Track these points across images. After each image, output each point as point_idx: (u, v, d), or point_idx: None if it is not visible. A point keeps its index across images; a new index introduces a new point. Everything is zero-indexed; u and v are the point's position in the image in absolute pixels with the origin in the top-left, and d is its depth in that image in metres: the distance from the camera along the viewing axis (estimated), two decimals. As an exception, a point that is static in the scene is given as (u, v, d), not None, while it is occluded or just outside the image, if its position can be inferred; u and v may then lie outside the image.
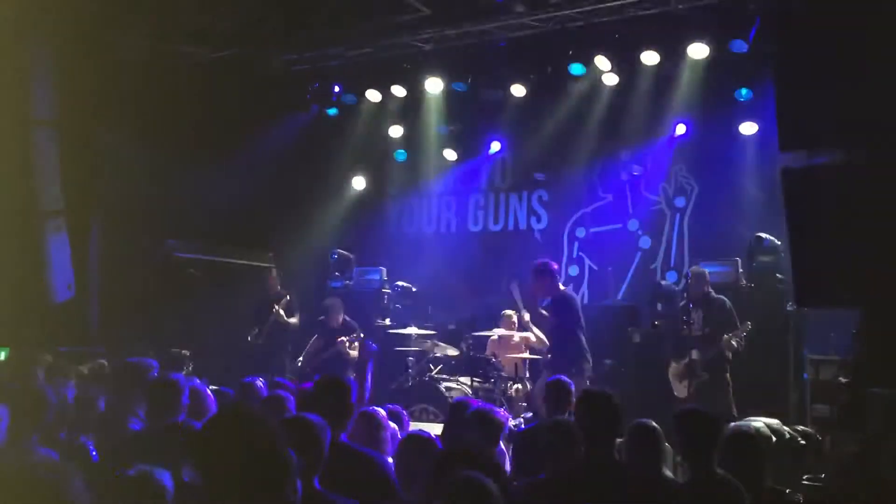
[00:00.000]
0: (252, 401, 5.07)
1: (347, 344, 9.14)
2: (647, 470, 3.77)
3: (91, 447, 4.27)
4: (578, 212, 11.38)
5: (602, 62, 9.79)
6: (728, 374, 7.99)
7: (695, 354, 7.94)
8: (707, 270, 8.65)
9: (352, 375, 8.49)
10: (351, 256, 11.63)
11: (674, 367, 8.31)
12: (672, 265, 10.59)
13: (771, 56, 7.94)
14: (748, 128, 9.61)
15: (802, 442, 6.97)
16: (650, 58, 9.56)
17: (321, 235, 11.97)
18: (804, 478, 6.19)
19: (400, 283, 11.11)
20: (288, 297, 9.75)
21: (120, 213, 10.25)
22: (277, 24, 9.97)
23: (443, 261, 11.78)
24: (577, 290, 11.30)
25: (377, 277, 11.20)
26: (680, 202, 10.64)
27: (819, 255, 5.10)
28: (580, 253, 11.36)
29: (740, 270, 8.93)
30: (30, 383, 3.81)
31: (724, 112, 9.77)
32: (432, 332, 9.77)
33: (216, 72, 10.60)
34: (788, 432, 6.96)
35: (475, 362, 9.19)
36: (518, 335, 9.17)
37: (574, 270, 11.37)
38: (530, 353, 9.14)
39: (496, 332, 9.26)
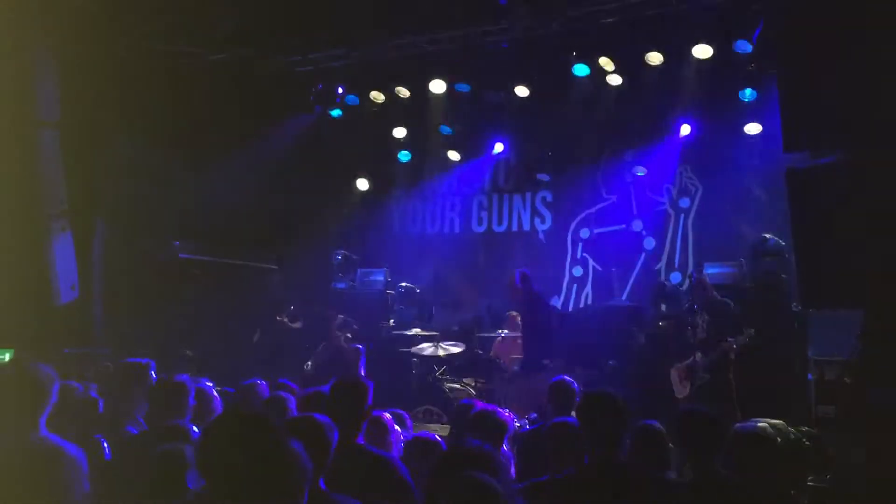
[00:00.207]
0: (253, 402, 5.06)
1: (342, 338, 9.09)
2: (651, 471, 3.76)
3: (105, 444, 4.28)
4: (582, 213, 11.38)
5: (606, 63, 9.78)
6: (731, 376, 7.98)
7: (698, 357, 7.95)
8: (709, 271, 8.65)
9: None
10: (354, 257, 11.64)
11: (677, 368, 8.31)
12: (676, 266, 10.58)
13: (775, 56, 7.92)
14: (752, 128, 9.60)
15: (807, 443, 6.94)
16: (654, 58, 9.55)
17: (325, 236, 11.99)
18: (809, 479, 6.17)
19: (403, 284, 11.12)
20: (292, 307, 9.68)
21: (124, 214, 10.27)
22: (281, 26, 9.97)
23: (446, 262, 11.79)
24: (580, 290, 11.31)
25: (381, 278, 11.21)
26: (684, 203, 10.63)
27: (824, 256, 5.07)
28: (584, 254, 11.36)
29: (744, 271, 8.93)
30: (28, 372, 3.81)
31: (729, 113, 9.76)
32: (436, 334, 9.76)
33: (220, 73, 10.61)
34: (793, 433, 6.93)
35: (479, 363, 9.20)
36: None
37: (578, 271, 11.36)
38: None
39: (501, 333, 9.26)
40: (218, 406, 4.77)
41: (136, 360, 5.18)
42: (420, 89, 11.10)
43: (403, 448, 4.27)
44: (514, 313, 9.55)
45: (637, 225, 10.93)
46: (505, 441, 4.56)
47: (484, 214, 12.20)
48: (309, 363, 9.41)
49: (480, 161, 12.07)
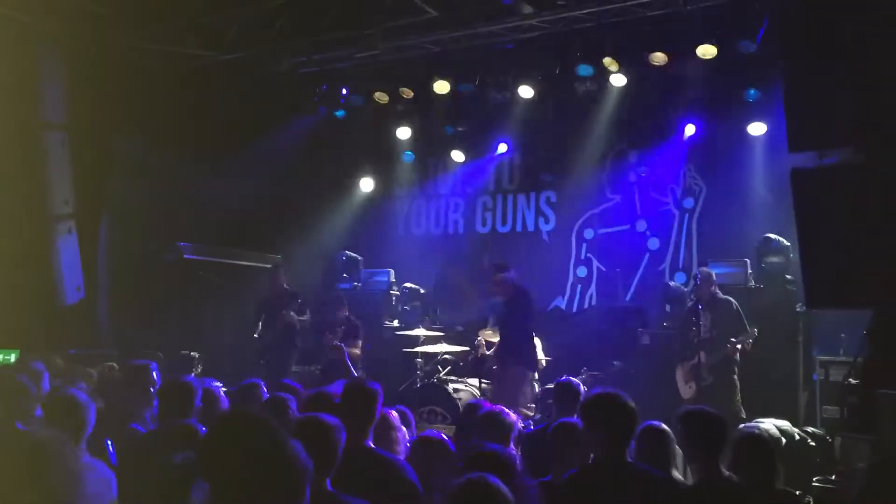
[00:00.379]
0: (253, 402, 5.06)
1: (339, 337, 9.06)
2: (656, 472, 3.76)
3: (111, 449, 4.29)
4: (586, 213, 11.37)
5: (610, 63, 9.77)
6: (736, 376, 7.98)
7: (702, 357, 7.94)
8: (714, 271, 8.64)
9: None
10: (359, 258, 11.65)
11: (681, 369, 8.30)
12: (681, 266, 10.57)
13: (779, 56, 7.91)
14: (757, 128, 9.59)
15: (812, 443, 6.95)
16: (658, 58, 9.54)
17: (329, 237, 12.00)
18: (814, 479, 6.17)
19: (408, 284, 11.14)
20: (299, 301, 9.61)
21: (129, 215, 10.30)
22: (285, 27, 9.99)
23: (451, 262, 11.80)
24: (585, 291, 11.31)
25: (385, 279, 11.22)
26: (688, 203, 10.62)
27: (829, 256, 5.06)
28: (588, 254, 11.35)
29: (749, 271, 8.91)
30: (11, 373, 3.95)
31: (733, 112, 9.74)
32: (440, 334, 9.76)
33: (225, 74, 10.64)
34: (798, 434, 6.94)
35: (483, 363, 9.20)
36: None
37: (582, 272, 11.36)
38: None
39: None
40: (225, 406, 4.77)
41: (139, 361, 5.20)
42: (424, 90, 11.09)
43: (410, 447, 4.27)
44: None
45: (641, 225, 10.92)
46: (511, 441, 4.56)
47: (488, 215, 12.21)
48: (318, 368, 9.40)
49: (484, 161, 12.07)
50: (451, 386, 8.82)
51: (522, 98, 10.64)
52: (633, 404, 3.79)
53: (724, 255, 9.32)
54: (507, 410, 4.75)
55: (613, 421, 3.74)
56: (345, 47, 10.41)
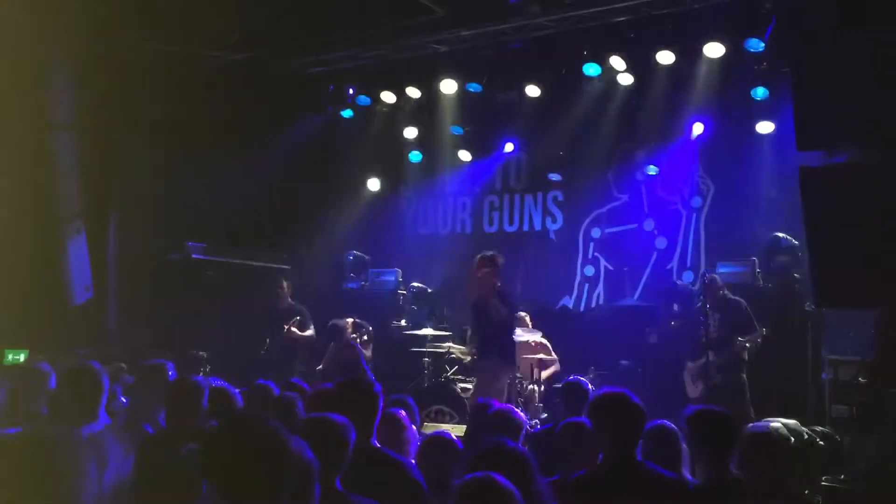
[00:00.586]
0: (263, 403, 5.06)
1: (359, 340, 9.05)
2: (664, 471, 3.75)
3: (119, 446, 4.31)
4: (594, 212, 11.35)
5: (617, 62, 9.76)
6: (745, 375, 7.96)
7: (711, 356, 7.91)
8: (722, 270, 8.62)
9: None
10: (366, 258, 11.66)
11: (689, 368, 8.28)
12: (688, 265, 10.53)
13: (787, 54, 7.89)
14: (765, 127, 9.55)
15: (822, 443, 6.91)
16: (665, 57, 9.52)
17: (336, 237, 12.00)
18: (823, 479, 6.14)
19: (415, 284, 11.13)
20: (298, 318, 9.55)
21: (137, 215, 10.33)
22: (292, 27, 10.00)
23: (458, 262, 11.77)
24: (592, 290, 11.29)
25: (392, 279, 11.23)
26: (696, 202, 10.59)
27: (838, 255, 5.05)
28: (596, 253, 11.33)
29: (757, 270, 8.89)
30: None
31: (741, 111, 9.71)
32: (448, 333, 9.76)
33: (232, 75, 10.66)
34: (807, 433, 6.89)
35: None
36: (534, 337, 9.15)
37: (590, 271, 11.34)
38: (545, 355, 9.13)
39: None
40: (240, 405, 4.76)
41: (154, 361, 5.22)
42: (431, 89, 11.11)
43: (420, 447, 4.27)
44: (524, 313, 9.54)
45: (649, 224, 10.90)
46: (521, 440, 4.56)
47: (495, 214, 12.19)
48: (320, 367, 9.36)
49: (491, 161, 12.06)
50: (458, 385, 8.82)
51: (529, 97, 10.64)
52: (640, 403, 3.78)
53: (732, 254, 9.29)
54: (515, 409, 4.75)
55: (621, 420, 3.74)
56: (351, 47, 10.42)
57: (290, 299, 9.81)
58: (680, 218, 10.67)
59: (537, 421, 8.12)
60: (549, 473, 4.13)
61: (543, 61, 10.34)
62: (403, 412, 4.61)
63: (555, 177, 11.61)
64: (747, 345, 7.80)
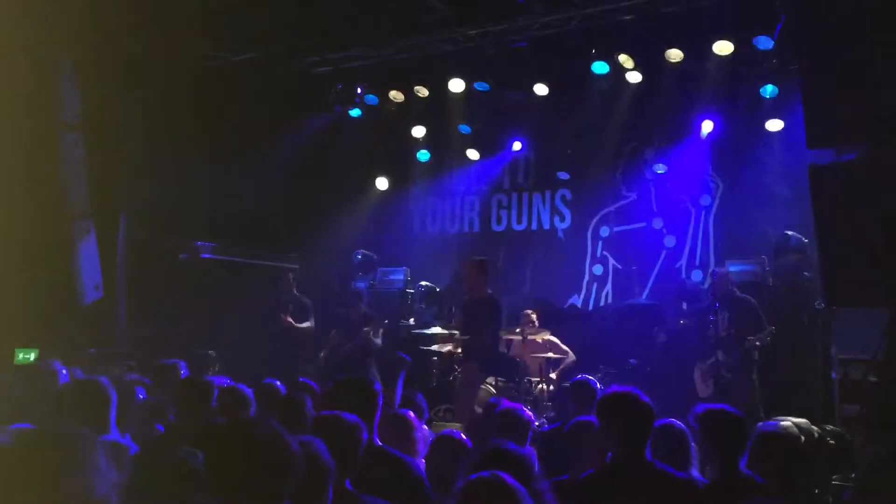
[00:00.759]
0: (270, 402, 5.06)
1: (371, 333, 9.02)
2: (674, 471, 3.73)
3: (131, 445, 4.33)
4: (602, 211, 11.33)
5: (625, 60, 9.74)
6: (754, 374, 7.93)
7: (720, 355, 7.89)
8: (731, 269, 8.59)
9: (375, 370, 8.38)
10: (374, 257, 11.66)
11: (699, 367, 8.26)
12: (697, 264, 10.50)
13: (797, 52, 7.86)
14: (774, 125, 9.52)
15: (832, 442, 6.88)
16: (674, 55, 9.50)
17: (344, 236, 12.01)
18: (833, 478, 6.11)
19: (423, 283, 11.13)
20: (291, 306, 9.57)
21: (146, 215, 10.36)
22: (300, 27, 10.01)
23: (466, 261, 11.77)
24: (601, 289, 11.27)
25: (400, 278, 11.23)
26: (705, 200, 10.56)
27: (848, 253, 5.03)
28: (604, 252, 11.31)
29: (767, 269, 8.86)
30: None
31: (750, 109, 9.69)
32: (456, 332, 9.75)
33: (240, 74, 10.68)
34: (817, 432, 6.87)
35: (499, 362, 9.19)
36: (542, 336, 9.14)
37: (598, 270, 11.32)
38: (553, 354, 9.12)
39: (520, 333, 9.22)
40: (251, 404, 4.77)
41: (167, 360, 5.24)
42: (439, 88, 11.12)
43: (430, 446, 4.26)
44: (530, 311, 9.53)
45: (658, 223, 10.87)
46: (528, 440, 4.56)
47: (503, 213, 12.19)
48: (322, 354, 9.23)
49: (499, 159, 12.06)
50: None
51: (537, 96, 10.63)
52: (649, 402, 3.77)
53: (741, 253, 9.27)
54: (524, 408, 4.74)
55: (629, 419, 3.72)
56: (359, 46, 10.43)
57: (294, 291, 9.80)
58: (689, 216, 10.64)
59: (544, 419, 8.12)
60: (558, 473, 4.12)
61: (551, 60, 10.34)
62: (412, 412, 4.62)
63: (563, 175, 11.60)
64: (757, 343, 7.77)
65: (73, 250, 9.76)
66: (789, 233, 8.78)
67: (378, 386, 4.05)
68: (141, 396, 5.43)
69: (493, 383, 8.88)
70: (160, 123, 10.04)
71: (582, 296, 11.36)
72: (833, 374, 8.02)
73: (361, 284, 11.36)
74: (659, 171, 10.74)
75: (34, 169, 9.27)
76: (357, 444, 3.27)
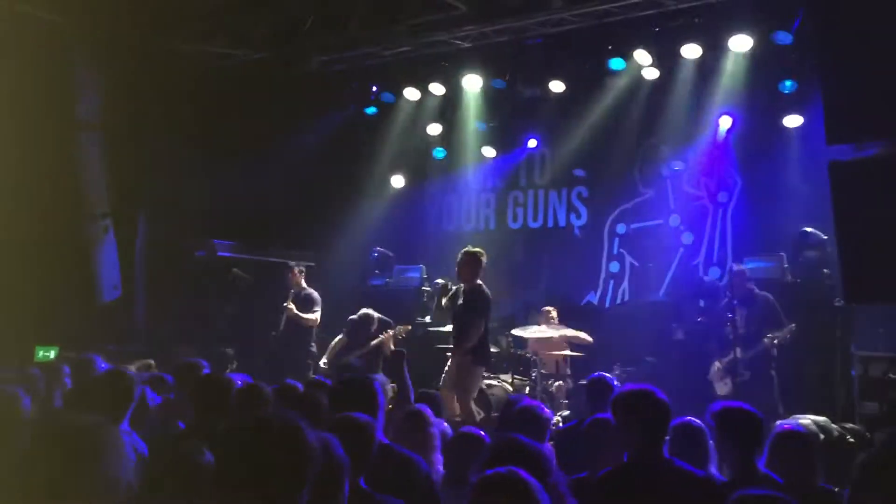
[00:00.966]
0: (288, 400, 5.07)
1: (390, 340, 8.98)
2: (692, 469, 3.72)
3: (139, 442, 4.36)
4: (619, 208, 11.28)
5: (642, 56, 9.68)
6: (773, 372, 7.87)
7: (738, 352, 7.83)
8: (749, 266, 8.52)
9: (380, 374, 8.37)
10: (391, 254, 11.68)
11: (717, 365, 8.21)
12: (715, 261, 10.43)
13: (816, 47, 7.79)
14: (793, 120, 9.43)
15: (851, 440, 6.83)
16: (691, 51, 9.43)
17: (361, 234, 12.04)
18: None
19: (439, 280, 11.12)
20: (293, 293, 9.49)
21: (164, 213, 10.44)
22: (315, 25, 10.04)
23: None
24: (617, 286, 11.24)
25: (417, 275, 11.24)
26: (723, 197, 10.48)
27: (868, 250, 4.98)
28: (621, 249, 11.27)
29: (786, 265, 8.79)
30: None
31: (768, 105, 9.60)
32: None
33: (256, 73, 10.72)
34: (837, 430, 6.83)
35: (516, 359, 9.19)
36: (558, 332, 9.13)
37: (615, 267, 11.28)
38: (571, 350, 9.10)
39: (537, 330, 9.22)
40: (271, 401, 4.79)
41: (189, 359, 5.28)
42: (454, 86, 11.11)
43: (449, 443, 4.27)
44: (549, 308, 9.52)
45: (675, 219, 10.81)
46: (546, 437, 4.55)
47: (519, 210, 12.17)
48: (323, 360, 9.16)
49: (515, 156, 12.04)
50: (483, 382, 8.81)
51: (553, 93, 10.60)
52: (665, 399, 3.75)
53: (759, 250, 9.20)
54: (543, 405, 4.74)
55: (645, 417, 3.70)
56: (374, 44, 10.44)
57: (302, 283, 9.77)
58: (706, 213, 10.58)
59: (559, 417, 8.10)
60: (576, 470, 4.11)
61: (567, 56, 10.29)
62: (429, 408, 4.62)
63: (579, 172, 11.57)
64: (776, 341, 7.70)
65: (92, 249, 9.86)
66: (808, 229, 8.70)
67: (378, 383, 4.05)
68: (161, 395, 5.48)
69: (510, 380, 8.88)
70: (177, 123, 10.11)
71: (599, 293, 11.33)
72: (853, 372, 7.96)
73: (377, 282, 11.39)
74: (676, 168, 10.68)
75: (54, 169, 9.37)
76: (371, 442, 3.29)
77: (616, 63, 9.90)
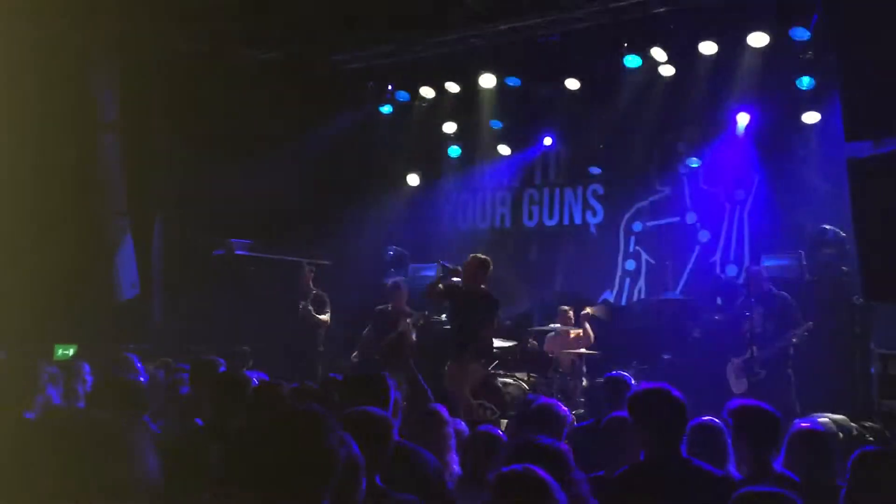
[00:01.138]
0: (302, 398, 5.09)
1: (412, 326, 8.96)
2: (710, 468, 3.70)
3: (153, 426, 4.42)
4: (635, 205, 11.24)
5: (658, 53, 9.64)
6: (791, 370, 7.82)
7: (755, 351, 7.79)
8: (767, 264, 8.47)
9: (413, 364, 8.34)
10: (406, 253, 11.69)
11: (733, 363, 8.17)
12: (732, 259, 10.38)
13: (833, 43, 7.73)
14: (811, 117, 9.36)
15: (871, 438, 6.79)
16: (708, 48, 9.38)
17: (376, 232, 12.06)
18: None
19: (455, 279, 11.12)
20: (315, 293, 9.56)
21: (182, 213, 10.50)
22: (330, 24, 10.07)
23: (497, 256, 11.73)
24: (633, 284, 11.20)
25: (432, 274, 11.23)
26: (740, 194, 10.42)
27: (887, 247, 4.94)
28: (637, 247, 11.23)
29: (804, 263, 8.73)
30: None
31: (786, 101, 9.54)
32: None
33: (272, 72, 10.77)
34: (856, 429, 6.79)
35: (532, 358, 9.18)
36: (575, 331, 9.12)
37: (631, 265, 11.24)
38: (587, 349, 9.08)
39: (554, 328, 9.22)
40: (287, 400, 4.81)
41: (207, 357, 5.32)
42: (470, 84, 11.11)
43: (466, 441, 4.28)
44: (566, 307, 9.50)
45: (691, 217, 10.75)
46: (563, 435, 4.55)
47: (535, 208, 12.15)
48: (354, 355, 9.21)
49: (530, 154, 12.02)
50: (499, 380, 8.81)
51: (569, 90, 10.57)
52: (681, 397, 3.73)
53: (777, 248, 9.14)
54: (560, 404, 4.73)
55: (661, 415, 3.69)
56: (389, 43, 10.45)
57: (310, 284, 9.80)
58: (723, 211, 10.52)
59: (574, 416, 8.07)
60: (593, 469, 4.11)
61: (583, 54, 10.27)
62: (444, 407, 4.63)
63: (595, 170, 11.53)
64: (794, 339, 7.65)
65: (110, 248, 9.94)
66: (826, 227, 8.64)
67: (391, 381, 4.04)
68: (181, 391, 5.53)
69: (526, 378, 8.88)
70: (194, 123, 10.17)
71: (615, 291, 11.29)
72: (872, 369, 7.90)
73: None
74: (693, 166, 10.62)
75: (73, 168, 9.45)
76: (387, 439, 3.28)
77: (632, 60, 9.86)
